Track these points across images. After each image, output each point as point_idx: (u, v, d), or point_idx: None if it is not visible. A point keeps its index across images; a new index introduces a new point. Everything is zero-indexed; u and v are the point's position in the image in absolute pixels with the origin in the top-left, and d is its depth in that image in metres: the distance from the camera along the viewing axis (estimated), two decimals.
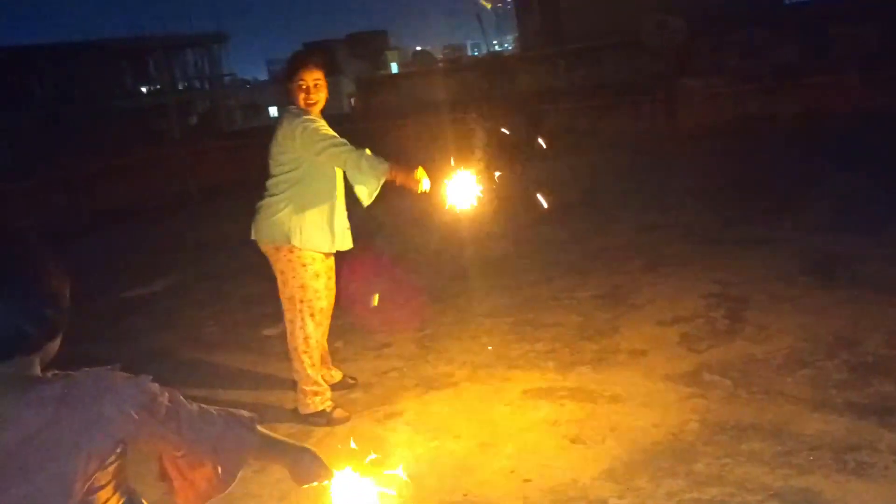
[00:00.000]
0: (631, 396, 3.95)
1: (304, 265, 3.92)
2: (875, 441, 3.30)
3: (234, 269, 7.42)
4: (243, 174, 12.80)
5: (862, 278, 5.23)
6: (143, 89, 41.54)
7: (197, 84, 44.61)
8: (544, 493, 3.18)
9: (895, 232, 6.08)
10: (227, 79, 46.46)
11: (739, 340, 4.49)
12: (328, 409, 4.06)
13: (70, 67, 34.74)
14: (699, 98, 13.63)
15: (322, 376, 4.12)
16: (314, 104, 3.84)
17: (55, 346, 1.43)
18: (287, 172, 3.86)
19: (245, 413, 1.63)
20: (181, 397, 1.51)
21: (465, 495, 3.25)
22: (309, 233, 3.88)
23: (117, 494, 1.44)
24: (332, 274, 4.16)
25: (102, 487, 1.39)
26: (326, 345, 4.28)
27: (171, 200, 11.90)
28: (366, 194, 3.72)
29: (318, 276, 3.96)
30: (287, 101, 3.91)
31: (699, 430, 3.53)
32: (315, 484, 1.75)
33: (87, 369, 1.41)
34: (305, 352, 3.99)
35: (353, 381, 4.50)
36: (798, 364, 4.09)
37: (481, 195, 3.71)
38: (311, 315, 3.97)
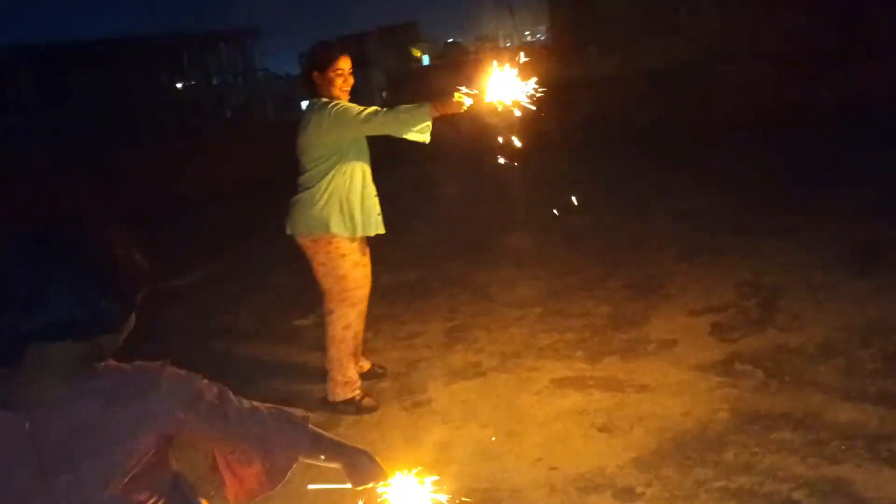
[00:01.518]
0: (660, 386, 3.92)
1: (343, 255, 3.97)
2: None
3: (267, 260, 7.50)
4: (276, 166, 12.95)
5: None
6: (179, 85, 42.06)
7: (230, 79, 45.04)
8: (570, 481, 3.17)
9: None
10: (259, 73, 46.83)
11: (772, 330, 4.43)
12: (357, 398, 4.10)
13: (108, 64, 35.29)
14: (734, 85, 13.42)
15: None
16: (348, 91, 3.93)
17: (114, 341, 1.43)
18: (320, 165, 3.91)
19: (298, 411, 1.63)
20: (231, 395, 1.52)
21: (491, 483, 3.26)
22: (346, 220, 3.94)
23: (159, 479, 1.47)
24: (368, 261, 4.21)
25: (144, 475, 1.42)
26: (362, 333, 4.30)
27: (206, 192, 12.05)
28: (421, 137, 3.76)
29: (356, 265, 4.03)
30: (314, 94, 3.94)
31: (729, 420, 3.49)
32: (371, 486, 1.74)
33: (139, 363, 1.43)
34: (343, 341, 4.04)
35: (381, 371, 4.54)
36: (831, 353, 4.02)
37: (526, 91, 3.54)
38: (352, 305, 4.03)
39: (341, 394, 4.09)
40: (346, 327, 4.03)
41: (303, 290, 6.38)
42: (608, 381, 4.05)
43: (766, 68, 13.85)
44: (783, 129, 10.89)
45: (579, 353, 4.48)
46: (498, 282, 5.94)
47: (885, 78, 12.43)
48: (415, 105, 3.67)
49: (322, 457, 1.69)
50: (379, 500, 1.77)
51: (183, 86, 42.08)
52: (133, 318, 1.46)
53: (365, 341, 4.89)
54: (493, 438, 3.63)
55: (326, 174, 3.89)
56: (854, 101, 12.02)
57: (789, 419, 3.44)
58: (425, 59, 51.93)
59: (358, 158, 3.94)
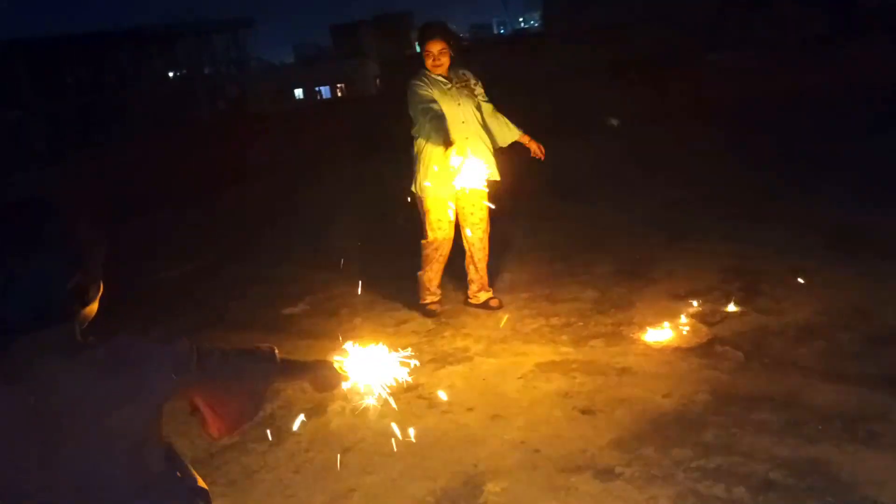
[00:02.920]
0: (642, 368, 3.97)
1: (426, 210, 4.89)
2: (887, 412, 3.30)
3: (257, 250, 7.55)
4: (267, 157, 12.97)
5: (881, 251, 5.18)
6: (172, 74, 41.93)
7: (224, 69, 44.91)
8: (553, 463, 3.23)
9: None
10: (254, 63, 46.70)
11: (754, 313, 4.49)
12: (426, 303, 5.18)
13: (101, 55, 35.19)
14: (725, 72, 13.45)
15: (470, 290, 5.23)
16: (439, 66, 4.72)
17: (92, 310, 1.52)
18: (413, 128, 4.78)
19: (264, 346, 1.83)
20: (206, 346, 1.66)
21: (475, 466, 3.31)
22: (423, 175, 4.76)
23: (156, 448, 1.57)
24: (470, 211, 4.94)
25: (143, 443, 1.52)
26: (476, 268, 5.16)
27: (199, 184, 12.06)
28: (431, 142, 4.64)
29: (431, 212, 4.88)
30: (423, 65, 4.77)
31: (709, 401, 3.55)
32: (337, 388, 2.03)
33: (124, 336, 1.50)
34: (423, 262, 5.10)
35: (495, 306, 5.13)
36: (812, 336, 4.08)
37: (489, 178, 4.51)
38: (428, 241, 5.01)
39: (421, 299, 5.23)
40: (423, 256, 5.10)
41: (294, 280, 6.45)
42: (592, 365, 4.10)
43: (757, 55, 13.88)
44: (772, 115, 10.95)
45: (565, 337, 4.53)
46: (489, 267, 5.97)
47: (874, 63, 12.49)
48: (437, 128, 4.51)
49: (294, 377, 2.01)
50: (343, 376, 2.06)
51: (176, 76, 41.95)
52: (101, 284, 1.53)
53: (353, 327, 4.98)
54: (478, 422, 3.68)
55: (417, 137, 4.78)
56: (843, 85, 12.07)
57: (769, 400, 3.50)
58: (417, 47, 51.75)
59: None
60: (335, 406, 4.04)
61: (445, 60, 4.71)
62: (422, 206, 4.92)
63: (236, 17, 44.94)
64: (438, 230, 4.93)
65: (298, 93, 48.52)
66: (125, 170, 12.57)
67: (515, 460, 3.31)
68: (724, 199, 7.10)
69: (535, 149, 5.02)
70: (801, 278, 4.86)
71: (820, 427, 3.24)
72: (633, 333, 4.45)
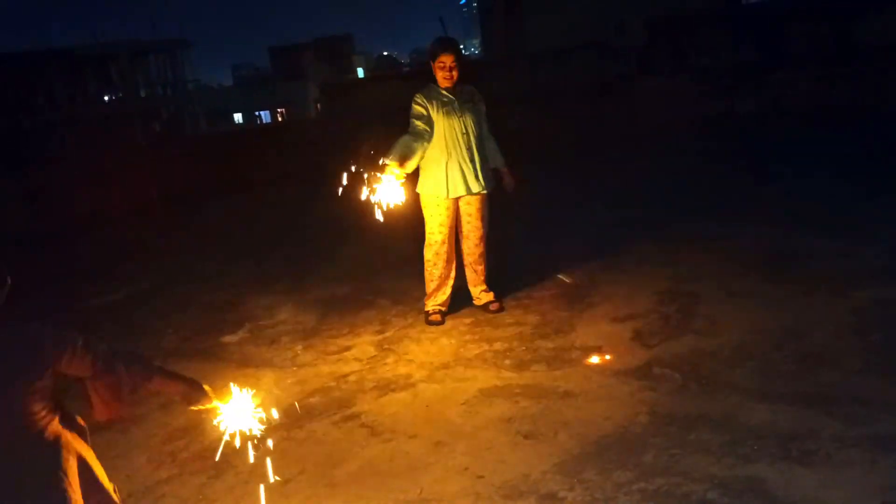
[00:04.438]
0: (583, 392, 4.01)
1: (423, 208, 5.16)
2: (819, 429, 3.39)
3: (195, 277, 7.40)
4: (203, 180, 12.76)
5: (812, 273, 5.35)
6: (106, 97, 41.02)
7: (160, 91, 44.13)
8: (496, 489, 3.23)
9: (846, 228, 6.22)
10: (191, 85, 46.02)
11: (690, 334, 4.59)
12: (429, 311, 5.32)
13: (31, 76, 34.23)
14: (659, 97, 13.81)
15: (474, 292, 5.45)
16: (449, 78, 4.99)
17: None
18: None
19: (143, 355, 2.37)
20: (94, 341, 2.19)
21: (419, 493, 3.29)
22: (424, 181, 5.09)
23: (50, 408, 2.11)
24: (466, 217, 5.20)
25: (39, 404, 2.05)
26: (475, 272, 5.38)
27: (132, 208, 11.78)
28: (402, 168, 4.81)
29: (432, 217, 5.14)
30: (432, 80, 5.07)
31: (648, 423, 3.60)
32: (203, 406, 2.50)
33: (26, 322, 2.05)
34: (425, 269, 5.31)
35: (494, 310, 5.35)
36: (746, 356, 4.19)
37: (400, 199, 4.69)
38: (428, 245, 5.24)
39: (425, 305, 5.38)
40: (424, 261, 5.30)
41: (232, 307, 6.34)
42: (534, 389, 4.13)
43: (688, 82, 14.29)
44: (705, 140, 11.26)
45: (507, 362, 4.55)
46: None
47: (801, 88, 12.99)
48: (396, 147, 4.79)
49: (168, 383, 2.38)
50: (214, 413, 2.55)
51: (110, 98, 41.04)
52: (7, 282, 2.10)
53: (295, 356, 4.91)
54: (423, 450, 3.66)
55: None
56: (772, 111, 12.52)
57: (706, 420, 3.57)
58: (360, 72, 51.88)
59: (439, 132, 4.98)
60: (276, 435, 3.97)
61: (456, 73, 4.99)
62: (421, 207, 5.21)
63: (172, 38, 44.14)
64: (437, 233, 5.17)
65: (238, 117, 48.05)
66: (55, 192, 12.18)
67: (459, 487, 3.29)
68: (658, 222, 7.25)
69: (508, 181, 5.34)
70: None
71: (755, 446, 3.31)
72: (574, 357, 4.50)
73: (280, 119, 46.52)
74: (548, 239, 7.20)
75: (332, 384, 4.57)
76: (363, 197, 4.63)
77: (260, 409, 2.69)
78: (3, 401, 1.99)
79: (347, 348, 5.13)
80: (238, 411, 2.61)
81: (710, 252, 6.11)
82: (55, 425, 2.11)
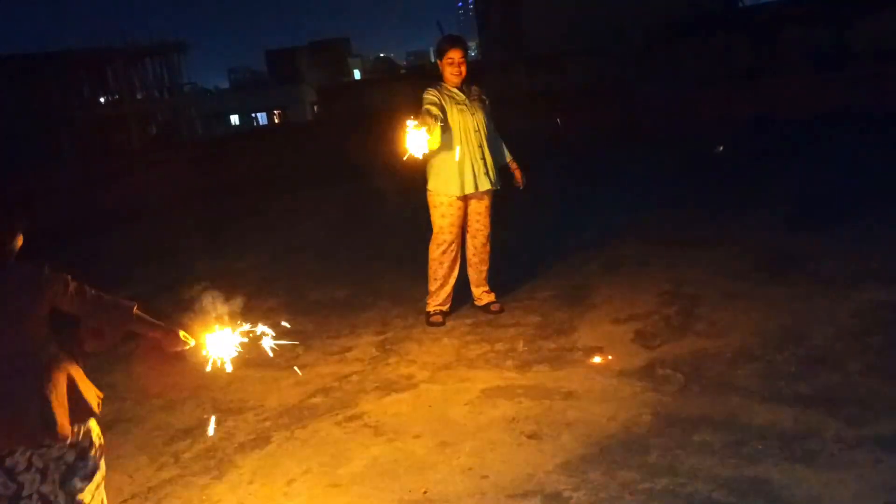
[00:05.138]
0: (586, 392, 4.02)
1: (434, 206, 5.18)
2: (822, 430, 3.40)
3: (192, 279, 7.37)
4: (198, 185, 12.74)
5: (812, 274, 5.37)
6: (102, 100, 40.96)
7: (156, 94, 44.08)
8: (501, 489, 3.23)
9: (844, 230, 6.25)
10: (187, 88, 45.98)
11: (691, 336, 4.60)
12: (431, 312, 5.32)
13: (28, 79, 34.14)
14: (656, 103, 13.85)
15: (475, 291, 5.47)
16: (458, 74, 5.03)
17: (11, 245, 2.53)
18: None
19: (128, 302, 2.70)
20: (85, 286, 2.59)
21: (424, 493, 3.28)
22: (436, 179, 5.09)
23: (46, 335, 2.52)
24: (475, 216, 5.23)
25: (35, 330, 2.48)
26: (478, 272, 5.42)
27: (126, 212, 11.76)
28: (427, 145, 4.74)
29: (443, 216, 5.14)
30: (440, 78, 5.10)
31: (652, 423, 3.61)
32: (180, 349, 2.86)
33: (31, 262, 2.52)
34: (430, 267, 5.29)
35: (495, 310, 5.36)
36: (748, 358, 4.20)
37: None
38: (436, 244, 5.23)
39: (427, 305, 5.39)
40: (430, 259, 5.28)
41: (230, 309, 6.31)
42: (537, 390, 4.13)
43: (685, 87, 14.34)
44: (700, 144, 11.29)
45: (509, 362, 4.55)
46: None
47: (797, 94, 13.04)
48: (426, 114, 4.75)
49: (147, 326, 2.75)
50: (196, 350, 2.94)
51: (106, 101, 40.98)
52: (15, 237, 2.55)
53: (295, 357, 4.90)
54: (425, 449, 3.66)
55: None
56: (767, 116, 12.56)
57: (709, 421, 3.57)
58: (357, 74, 51.89)
59: (451, 128, 4.97)
60: (279, 435, 3.97)
61: (464, 69, 5.04)
62: (430, 206, 5.22)
63: (169, 41, 44.10)
64: (447, 232, 5.17)
65: (234, 119, 48.01)
66: (50, 195, 12.17)
67: (464, 487, 3.29)
68: (658, 225, 7.27)
69: (519, 177, 5.39)
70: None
71: (759, 447, 3.32)
72: (576, 358, 4.51)
73: (276, 121, 46.49)
74: (547, 240, 7.22)
75: (335, 384, 4.56)
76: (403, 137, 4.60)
77: (237, 337, 3.11)
78: (6, 326, 2.43)
79: (349, 349, 5.13)
80: (216, 342, 3.04)
81: (710, 253, 6.13)
82: (50, 349, 2.53)
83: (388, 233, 8.31)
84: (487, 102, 5.25)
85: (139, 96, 42.71)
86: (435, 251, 5.26)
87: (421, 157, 4.70)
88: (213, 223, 10.08)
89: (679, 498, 3.03)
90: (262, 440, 3.93)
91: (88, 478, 2.65)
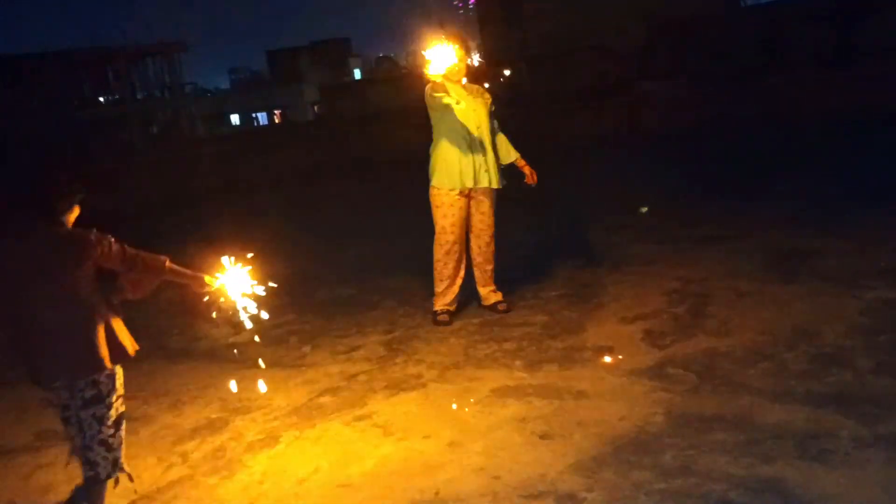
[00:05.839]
0: (597, 392, 3.99)
1: (436, 206, 5.17)
2: (835, 429, 3.38)
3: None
4: (201, 183, 12.73)
5: (820, 272, 5.35)
6: (102, 99, 40.96)
7: (157, 93, 44.07)
8: (513, 489, 3.20)
9: (851, 228, 6.23)
10: (188, 87, 45.96)
11: (702, 335, 4.57)
12: (438, 311, 5.29)
13: (29, 78, 34.14)
14: (659, 100, 13.83)
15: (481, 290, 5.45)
16: (458, 71, 5.03)
17: (70, 213, 3.02)
18: (431, 128, 5.13)
19: (161, 257, 3.20)
20: (125, 246, 3.06)
21: (436, 494, 3.26)
22: (437, 174, 5.09)
23: (92, 287, 2.98)
24: (478, 214, 5.21)
25: (83, 282, 2.94)
26: (484, 272, 5.38)
27: (134, 210, 11.75)
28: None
29: (445, 216, 5.13)
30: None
31: (664, 423, 3.58)
32: (207, 289, 3.39)
33: (81, 228, 3.01)
34: (435, 268, 5.26)
35: (502, 310, 5.33)
36: (759, 357, 4.17)
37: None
38: (439, 245, 5.21)
39: (434, 304, 5.34)
40: (435, 259, 5.25)
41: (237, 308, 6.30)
42: (547, 389, 4.11)
43: (688, 85, 14.33)
44: (706, 143, 11.27)
45: (518, 362, 4.53)
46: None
47: (802, 92, 13.01)
48: (431, 85, 4.86)
49: (179, 275, 3.31)
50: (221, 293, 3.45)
51: (107, 100, 40.97)
52: (67, 202, 3.02)
53: (302, 356, 4.88)
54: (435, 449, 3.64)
55: (432, 136, 5.13)
56: (772, 115, 12.53)
57: (722, 421, 3.55)
58: (357, 73, 51.85)
59: (452, 123, 4.99)
60: (288, 435, 3.95)
61: (464, 66, 5.07)
62: (433, 206, 5.21)
63: (170, 40, 44.07)
64: (449, 232, 5.16)
65: (235, 119, 47.99)
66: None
67: (476, 487, 3.27)
68: (664, 223, 7.25)
69: (529, 174, 5.38)
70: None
71: (773, 446, 3.30)
72: (586, 357, 4.48)
73: (276, 121, 46.46)
74: (553, 239, 7.20)
75: (343, 384, 4.54)
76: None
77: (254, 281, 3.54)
78: (59, 278, 2.92)
79: (356, 348, 5.11)
80: (236, 282, 3.49)
81: (718, 252, 6.11)
82: (95, 299, 3.00)
83: (392, 232, 8.29)
84: (490, 101, 5.23)
85: (140, 96, 42.71)
86: (438, 251, 5.25)
87: (441, 74, 4.79)
88: (223, 218, 10.06)
89: (694, 498, 3.01)
90: (271, 440, 3.91)
91: (107, 415, 3.08)
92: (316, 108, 35.65)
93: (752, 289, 5.21)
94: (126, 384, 3.15)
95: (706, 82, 14.52)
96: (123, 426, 3.16)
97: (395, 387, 4.41)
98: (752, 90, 13.94)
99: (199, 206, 10.99)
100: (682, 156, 10.63)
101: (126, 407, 3.18)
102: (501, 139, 5.32)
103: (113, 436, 3.11)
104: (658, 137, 12.24)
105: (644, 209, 5.84)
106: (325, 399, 4.36)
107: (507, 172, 5.35)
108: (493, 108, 5.25)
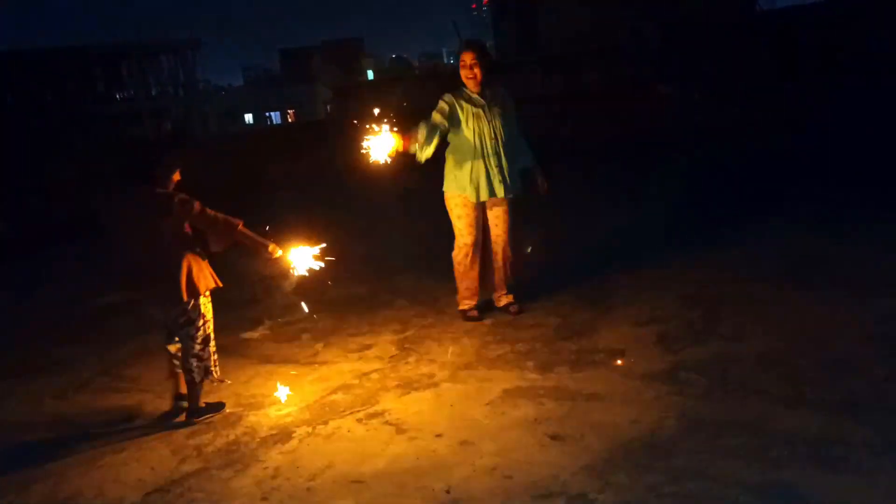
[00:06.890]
0: (609, 394, 4.00)
1: (450, 209, 5.25)
2: (848, 436, 3.37)
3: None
4: (216, 181, 12.77)
5: (834, 279, 5.33)
6: (117, 96, 41.18)
7: (171, 91, 44.26)
8: (525, 489, 3.21)
9: (866, 235, 6.21)
10: (201, 85, 46.16)
11: (715, 340, 4.57)
12: (465, 309, 5.39)
13: (43, 74, 34.37)
14: (673, 103, 13.80)
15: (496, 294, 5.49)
16: (472, 78, 5.05)
17: (167, 182, 4.03)
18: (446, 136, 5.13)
19: (237, 220, 4.09)
20: (206, 208, 4.00)
21: (447, 493, 3.27)
22: (451, 183, 5.16)
23: (181, 238, 4.02)
24: (494, 221, 5.24)
25: (172, 233, 3.98)
26: (497, 275, 5.43)
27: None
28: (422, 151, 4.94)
29: (460, 217, 5.19)
30: (455, 79, 5.18)
31: (677, 427, 3.58)
32: (274, 256, 4.25)
33: (171, 191, 4.01)
34: (456, 271, 5.35)
35: (514, 312, 5.36)
36: (772, 362, 4.17)
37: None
38: (457, 247, 5.29)
39: (458, 304, 5.43)
40: (454, 261, 5.34)
41: (249, 304, 6.34)
42: (559, 391, 4.11)
43: (704, 89, 14.28)
44: (722, 147, 11.23)
45: (530, 363, 4.54)
46: (448, 294, 5.94)
47: (816, 99, 12.96)
48: (419, 127, 4.90)
49: (249, 238, 4.15)
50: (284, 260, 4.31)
51: (121, 97, 41.19)
52: (167, 169, 4.03)
53: (315, 354, 4.91)
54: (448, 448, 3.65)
55: (448, 144, 5.15)
56: (787, 120, 12.48)
57: (734, 426, 3.55)
58: (370, 74, 51.93)
59: (466, 133, 5.03)
60: (301, 431, 3.97)
61: (478, 72, 5.02)
62: (448, 209, 5.27)
63: (183, 38, 44.27)
64: (466, 234, 5.21)
65: (248, 117, 48.16)
66: (64, 190, 12.25)
67: (488, 487, 3.28)
68: (678, 227, 7.23)
69: (540, 183, 5.33)
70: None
71: (786, 452, 3.30)
72: (598, 359, 4.48)
73: (289, 119, 46.59)
74: (566, 241, 7.19)
75: (355, 382, 4.56)
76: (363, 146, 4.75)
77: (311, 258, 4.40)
78: (157, 228, 3.92)
79: (368, 347, 5.13)
80: (301, 255, 4.35)
81: (731, 257, 6.09)
82: (183, 246, 4.00)
83: (404, 232, 8.30)
84: (511, 104, 5.20)
85: (154, 93, 42.92)
86: (458, 256, 5.29)
87: (383, 162, 4.77)
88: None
89: (706, 502, 3.01)
90: (284, 435, 3.93)
91: (196, 335, 4.12)
92: (328, 107, 35.71)
93: (766, 294, 5.20)
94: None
95: (721, 86, 14.45)
96: (212, 343, 4.18)
97: (408, 386, 4.43)
98: (767, 95, 13.88)
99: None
100: (697, 158, 10.59)
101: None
102: (518, 144, 5.26)
103: (203, 350, 4.11)
104: (673, 139, 12.20)
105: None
106: (338, 396, 4.38)
107: (522, 177, 5.33)
108: (513, 111, 5.21)
